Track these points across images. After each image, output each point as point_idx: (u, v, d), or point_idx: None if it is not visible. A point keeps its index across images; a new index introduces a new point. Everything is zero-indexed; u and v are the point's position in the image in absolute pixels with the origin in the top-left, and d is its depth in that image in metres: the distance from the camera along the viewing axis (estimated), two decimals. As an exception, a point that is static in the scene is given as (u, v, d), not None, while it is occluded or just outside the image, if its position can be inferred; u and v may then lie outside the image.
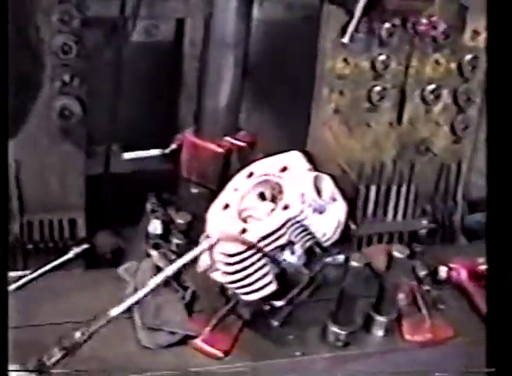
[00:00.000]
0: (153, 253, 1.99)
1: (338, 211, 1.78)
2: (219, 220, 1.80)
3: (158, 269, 1.95)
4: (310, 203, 1.74)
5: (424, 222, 2.19)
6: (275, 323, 1.94)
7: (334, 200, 1.80)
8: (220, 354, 1.85)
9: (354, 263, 1.82)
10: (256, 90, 2.49)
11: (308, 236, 1.77)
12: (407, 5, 1.61)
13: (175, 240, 2.06)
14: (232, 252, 1.74)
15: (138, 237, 2.17)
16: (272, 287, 1.77)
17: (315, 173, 1.77)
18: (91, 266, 2.16)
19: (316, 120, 2.25)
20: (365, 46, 2.15)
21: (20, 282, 1.93)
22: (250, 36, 1.97)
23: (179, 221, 2.02)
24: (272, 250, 1.75)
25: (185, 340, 1.86)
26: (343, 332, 1.91)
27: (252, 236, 1.73)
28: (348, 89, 2.21)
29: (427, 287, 2.12)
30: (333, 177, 1.85)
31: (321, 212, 1.77)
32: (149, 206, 2.15)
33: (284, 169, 1.81)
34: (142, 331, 1.82)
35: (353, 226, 1.93)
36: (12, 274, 1.97)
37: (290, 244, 1.76)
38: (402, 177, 2.35)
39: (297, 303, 2.00)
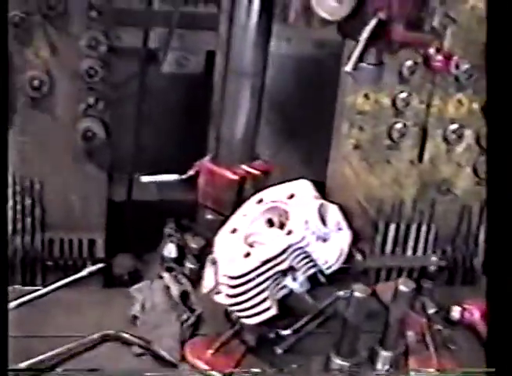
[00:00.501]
0: (165, 275, 2.03)
1: (342, 240, 1.80)
2: (226, 243, 1.83)
3: (168, 290, 1.98)
4: (313, 230, 1.76)
5: (434, 258, 2.17)
6: (279, 351, 1.95)
7: (340, 229, 1.81)
8: (219, 376, 1.85)
9: (357, 294, 1.82)
10: (283, 124, 2.54)
11: (310, 264, 1.78)
12: (414, 37, 1.63)
13: (188, 265, 2.09)
14: (234, 275, 1.76)
15: (155, 261, 2.22)
16: (273, 312, 1.79)
17: (321, 201, 1.79)
18: (108, 286, 2.20)
19: (336, 155, 2.28)
20: (386, 83, 2.17)
21: (33, 295, 1.98)
22: (268, 67, 2.01)
23: (193, 245, 2.07)
24: (274, 275, 1.76)
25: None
26: (345, 363, 1.89)
27: (254, 260, 1.75)
28: (369, 125, 2.24)
29: (438, 327, 2.10)
30: (340, 206, 1.86)
31: (325, 240, 1.79)
32: (167, 230, 2.19)
33: (291, 196, 1.84)
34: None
35: (359, 257, 1.92)
36: (27, 288, 2.03)
37: (292, 270, 1.78)
38: (423, 216, 2.34)
39: (303, 333, 2.00)
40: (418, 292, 2.06)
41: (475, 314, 2.09)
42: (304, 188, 1.84)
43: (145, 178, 2.08)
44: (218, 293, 1.81)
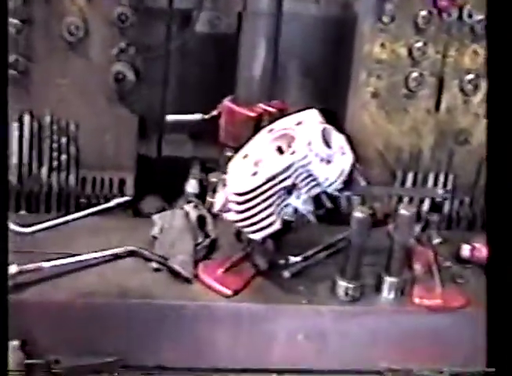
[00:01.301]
0: (186, 205, 2.16)
1: (344, 162, 1.90)
2: (236, 167, 1.96)
3: (187, 216, 2.12)
4: (317, 152, 1.87)
5: (440, 191, 2.24)
6: (287, 275, 2.05)
7: (343, 153, 1.92)
8: (229, 292, 1.97)
9: (358, 214, 1.91)
10: (310, 85, 2.66)
11: (313, 183, 1.89)
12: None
13: (209, 198, 2.22)
14: (241, 191, 1.89)
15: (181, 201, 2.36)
16: (277, 226, 1.89)
17: (324, 125, 1.90)
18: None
19: (354, 103, 2.38)
20: (402, 33, 2.27)
21: (64, 219, 2.15)
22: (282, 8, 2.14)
23: (213, 180, 2.19)
24: (278, 191, 1.88)
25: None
26: (350, 285, 1.98)
27: (260, 178, 1.87)
28: (386, 74, 2.34)
29: (448, 264, 2.17)
30: (347, 136, 1.97)
31: (328, 162, 1.90)
32: (193, 171, 2.33)
33: (299, 123, 1.96)
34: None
35: (363, 182, 2.01)
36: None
37: (296, 188, 1.89)
38: (440, 166, 2.41)
39: (312, 261, 2.10)
40: (425, 226, 2.13)
41: (484, 252, 2.14)
42: (311, 115, 1.95)
43: (171, 117, 2.22)
44: (228, 211, 1.93)
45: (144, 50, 2.28)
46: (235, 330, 1.96)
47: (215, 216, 2.17)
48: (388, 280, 2.03)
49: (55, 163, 2.32)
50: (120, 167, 2.36)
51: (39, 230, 2.11)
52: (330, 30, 2.57)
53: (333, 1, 2.56)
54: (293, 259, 2.08)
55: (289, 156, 1.86)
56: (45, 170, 2.33)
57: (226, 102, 2.19)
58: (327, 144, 1.90)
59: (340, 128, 2.16)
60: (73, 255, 1.96)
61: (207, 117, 2.22)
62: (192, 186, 2.24)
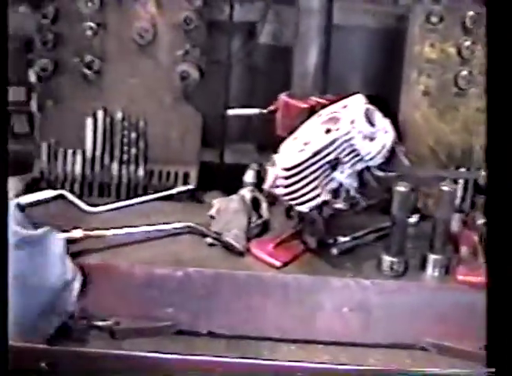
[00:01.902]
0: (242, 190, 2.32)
1: (386, 139, 2.02)
2: (286, 146, 2.11)
3: (243, 199, 2.27)
4: (360, 129, 2.00)
5: (484, 172, 2.30)
6: (335, 252, 2.16)
7: (386, 131, 2.04)
8: (278, 264, 2.09)
9: (400, 188, 2.02)
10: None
11: (356, 158, 2.01)
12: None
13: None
14: (289, 166, 2.03)
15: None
16: (323, 198, 2.02)
17: (368, 106, 2.03)
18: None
19: (406, 101, 2.51)
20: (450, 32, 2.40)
21: (128, 202, 2.33)
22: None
23: (269, 167, 2.33)
24: (323, 166, 2.01)
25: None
26: (394, 260, 2.07)
27: (306, 153, 2.01)
28: (436, 73, 2.46)
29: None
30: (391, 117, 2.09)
31: (371, 139, 2.02)
32: (251, 164, 2.49)
33: (345, 106, 2.10)
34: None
35: (406, 162, 2.11)
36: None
37: (340, 163, 2.02)
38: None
39: (360, 241, 2.21)
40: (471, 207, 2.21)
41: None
42: (356, 99, 2.08)
43: (231, 112, 2.39)
44: (277, 186, 2.06)
45: (208, 53, 2.47)
46: (282, 300, 2.06)
47: (271, 202, 2.29)
48: (432, 258, 2.10)
49: (125, 156, 2.52)
50: (185, 161, 2.54)
51: (106, 210, 2.29)
52: (384, 40, 2.71)
53: (389, 14, 2.70)
54: (341, 239, 2.17)
55: (333, 132, 1.99)
56: (116, 163, 2.52)
57: (282, 96, 2.34)
58: (370, 123, 2.01)
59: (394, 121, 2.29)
60: (135, 227, 2.12)
61: (265, 111, 2.36)
62: (250, 176, 2.39)
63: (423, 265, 2.12)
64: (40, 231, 1.81)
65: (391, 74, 2.57)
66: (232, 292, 2.05)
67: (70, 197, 2.31)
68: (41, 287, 1.76)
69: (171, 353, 1.96)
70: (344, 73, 2.67)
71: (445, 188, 2.04)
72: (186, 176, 2.53)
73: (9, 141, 2.83)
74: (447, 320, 2.07)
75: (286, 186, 2.04)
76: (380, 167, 2.07)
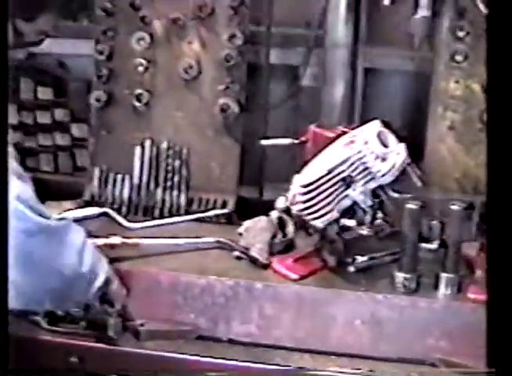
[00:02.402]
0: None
1: (397, 159, 2.16)
2: (307, 168, 2.27)
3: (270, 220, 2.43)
4: (372, 150, 2.15)
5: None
6: (352, 269, 2.28)
7: (398, 153, 2.18)
8: (295, 277, 2.23)
9: (410, 205, 2.14)
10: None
11: (368, 177, 2.15)
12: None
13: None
14: (306, 183, 2.19)
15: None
16: (335, 215, 2.16)
17: (381, 129, 2.18)
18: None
19: (432, 136, 2.64)
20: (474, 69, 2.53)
21: (166, 221, 2.53)
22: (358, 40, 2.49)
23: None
24: (337, 183, 2.16)
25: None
26: (407, 276, 2.17)
27: (322, 170, 2.17)
28: (461, 109, 2.59)
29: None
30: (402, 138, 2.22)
31: (383, 159, 2.16)
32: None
33: (362, 130, 2.26)
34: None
35: (419, 184, 2.22)
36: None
37: (353, 182, 2.16)
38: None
39: (377, 261, 2.32)
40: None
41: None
42: (373, 124, 2.24)
43: (264, 142, 2.58)
44: (296, 203, 2.22)
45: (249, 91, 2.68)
46: (297, 311, 2.18)
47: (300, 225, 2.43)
48: (444, 276, 2.18)
49: (168, 183, 2.73)
50: (224, 189, 2.72)
51: (145, 227, 2.49)
52: (417, 81, 2.86)
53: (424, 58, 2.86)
54: (359, 259, 2.29)
55: (347, 151, 2.14)
56: (160, 189, 2.73)
57: (311, 127, 2.52)
58: (383, 144, 2.16)
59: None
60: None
61: (296, 141, 2.54)
62: (281, 201, 2.54)
63: (436, 284, 2.19)
64: (59, 222, 2.00)
65: (421, 110, 2.71)
66: (250, 301, 2.18)
67: (112, 214, 2.52)
68: (50, 273, 1.94)
69: (192, 355, 2.10)
70: (378, 110, 2.81)
71: (455, 207, 2.13)
72: (224, 204, 2.70)
73: (73, 174, 3.12)
74: (457, 337, 2.13)
75: (304, 202, 2.18)
76: (393, 188, 2.19)
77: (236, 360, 2.12)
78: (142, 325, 2.18)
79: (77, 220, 2.42)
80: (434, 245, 2.30)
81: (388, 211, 2.23)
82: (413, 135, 2.59)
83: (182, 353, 2.14)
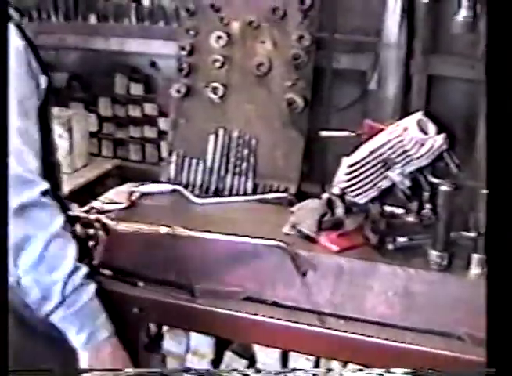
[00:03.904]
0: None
1: (435, 144, 2.36)
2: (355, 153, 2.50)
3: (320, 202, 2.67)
4: (412, 136, 2.36)
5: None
6: (391, 247, 2.48)
7: (435, 140, 2.38)
8: (336, 248, 2.45)
9: (443, 187, 2.33)
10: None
11: (407, 159, 2.36)
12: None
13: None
14: (349, 164, 2.43)
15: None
16: (375, 193, 2.38)
17: (421, 117, 2.39)
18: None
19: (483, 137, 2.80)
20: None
21: (227, 199, 2.81)
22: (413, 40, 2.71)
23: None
24: (377, 164, 2.39)
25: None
26: (439, 254, 2.35)
27: (364, 151, 2.40)
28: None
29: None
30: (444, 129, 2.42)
31: (422, 145, 2.37)
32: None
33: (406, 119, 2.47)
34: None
35: (455, 170, 2.41)
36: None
37: (393, 164, 2.38)
38: None
39: (416, 242, 2.51)
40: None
41: None
42: (416, 114, 2.45)
43: (324, 133, 2.83)
44: (341, 182, 2.46)
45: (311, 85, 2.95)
46: (336, 279, 2.40)
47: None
48: (475, 257, 2.35)
49: (237, 169, 3.01)
50: (287, 177, 2.98)
51: (211, 203, 2.77)
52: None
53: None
54: (400, 239, 2.49)
55: (387, 135, 2.36)
56: (229, 174, 3.01)
57: (367, 121, 2.75)
58: (423, 131, 2.37)
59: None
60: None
61: (353, 134, 2.77)
62: (336, 189, 2.77)
63: (468, 264, 2.36)
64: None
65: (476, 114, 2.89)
66: (294, 268, 2.41)
67: (182, 190, 2.82)
68: None
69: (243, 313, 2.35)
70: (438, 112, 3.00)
71: (485, 191, 2.30)
72: (286, 190, 2.95)
73: (158, 163, 3.46)
74: (483, 314, 2.28)
75: (347, 181, 2.41)
76: (433, 173, 2.38)
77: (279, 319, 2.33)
78: (196, 283, 2.44)
79: (151, 193, 2.73)
80: (473, 234, 2.45)
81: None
82: (467, 136, 2.75)
83: (231, 310, 2.37)
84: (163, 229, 2.43)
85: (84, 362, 2.21)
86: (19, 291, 2.12)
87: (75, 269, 2.15)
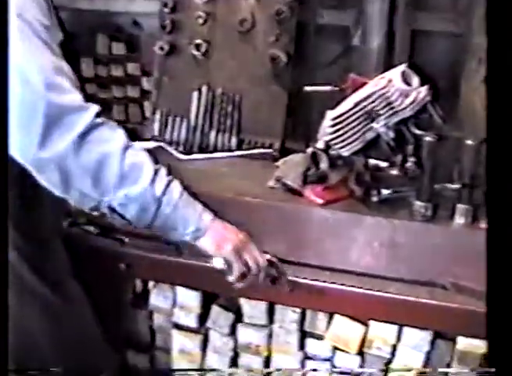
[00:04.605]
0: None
1: (419, 95, 2.36)
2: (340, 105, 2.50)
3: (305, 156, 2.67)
4: (396, 88, 2.36)
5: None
6: (375, 199, 2.49)
7: (419, 92, 2.38)
8: (321, 201, 2.46)
9: (427, 138, 2.33)
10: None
11: (391, 111, 2.36)
12: None
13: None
14: (334, 116, 2.42)
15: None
16: (359, 146, 2.38)
17: (406, 69, 2.39)
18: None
19: (466, 88, 2.82)
20: None
21: (212, 155, 2.81)
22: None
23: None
24: (362, 115, 2.39)
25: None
26: (423, 204, 2.37)
27: (349, 103, 2.40)
28: (495, 62, 2.75)
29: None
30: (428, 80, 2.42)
31: (406, 96, 2.37)
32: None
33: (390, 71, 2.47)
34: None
35: (439, 121, 2.41)
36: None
37: (376, 115, 2.38)
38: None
39: (400, 195, 2.52)
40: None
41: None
42: (401, 66, 2.45)
43: (307, 88, 2.82)
44: (325, 135, 2.46)
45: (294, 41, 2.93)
46: (322, 232, 2.41)
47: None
48: (459, 207, 2.36)
49: (222, 126, 3.00)
50: (271, 133, 2.97)
51: (196, 159, 2.77)
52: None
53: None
54: (384, 191, 2.50)
55: (372, 87, 2.36)
56: (213, 131, 3.01)
57: (351, 75, 2.74)
58: (407, 83, 2.36)
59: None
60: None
61: (336, 88, 2.76)
62: (320, 144, 2.77)
63: (452, 215, 2.38)
64: None
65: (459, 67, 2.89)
66: (279, 222, 2.42)
67: (167, 147, 2.81)
68: None
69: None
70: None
71: (469, 142, 2.31)
72: (271, 146, 2.95)
73: (141, 123, 3.43)
74: (467, 264, 2.31)
75: (332, 133, 2.41)
76: (416, 124, 2.39)
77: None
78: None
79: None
80: (457, 185, 2.47)
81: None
82: (450, 89, 2.76)
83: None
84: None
85: (205, 249, 2.19)
86: (115, 215, 2.09)
87: (156, 170, 2.09)
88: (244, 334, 2.57)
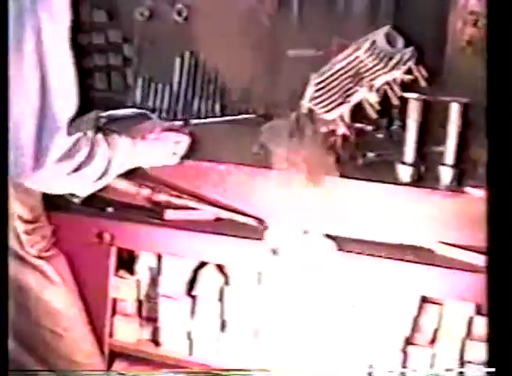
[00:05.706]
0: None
1: (403, 57, 2.33)
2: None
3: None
4: (381, 49, 2.33)
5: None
6: (360, 162, 2.47)
7: (404, 53, 2.35)
8: (306, 167, 2.44)
9: (412, 100, 2.31)
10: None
11: (376, 73, 2.33)
12: None
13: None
14: (318, 81, 2.39)
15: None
16: (347, 107, 2.35)
17: (389, 30, 2.36)
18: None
19: (451, 49, 2.76)
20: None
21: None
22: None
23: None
24: (347, 79, 2.36)
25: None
26: (408, 167, 2.35)
27: (332, 68, 2.37)
28: (480, 23, 2.71)
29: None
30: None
31: (390, 58, 2.34)
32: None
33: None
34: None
35: (423, 83, 2.38)
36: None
37: (361, 77, 2.35)
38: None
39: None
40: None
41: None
42: (385, 27, 2.41)
43: (291, 53, 2.78)
44: (310, 100, 2.43)
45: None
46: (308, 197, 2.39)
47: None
48: (445, 169, 2.35)
49: (204, 92, 2.96)
50: (255, 99, 2.93)
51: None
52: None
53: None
54: (369, 154, 2.48)
55: (355, 50, 2.33)
56: (197, 98, 2.97)
57: (335, 38, 2.70)
58: (391, 45, 2.33)
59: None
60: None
61: (321, 52, 2.72)
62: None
63: (436, 176, 2.36)
64: None
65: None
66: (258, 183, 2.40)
67: (149, 114, 2.78)
68: None
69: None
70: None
71: (454, 104, 2.29)
72: (255, 112, 2.91)
73: (124, 91, 3.37)
74: (453, 226, 2.30)
75: (316, 98, 2.39)
76: (401, 86, 2.36)
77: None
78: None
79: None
80: (442, 148, 2.46)
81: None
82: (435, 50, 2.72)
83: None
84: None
85: None
86: None
87: None
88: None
